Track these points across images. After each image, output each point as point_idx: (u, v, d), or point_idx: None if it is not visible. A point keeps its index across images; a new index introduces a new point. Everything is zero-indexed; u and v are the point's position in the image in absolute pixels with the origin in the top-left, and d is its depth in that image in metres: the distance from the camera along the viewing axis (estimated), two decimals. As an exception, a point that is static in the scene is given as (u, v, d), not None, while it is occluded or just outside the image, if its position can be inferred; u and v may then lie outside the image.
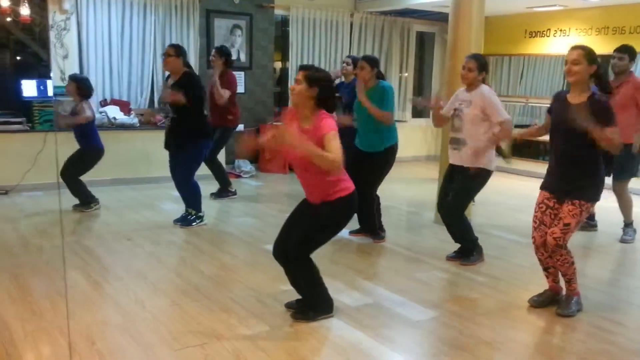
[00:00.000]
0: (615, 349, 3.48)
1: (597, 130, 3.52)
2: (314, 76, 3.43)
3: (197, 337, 3.40)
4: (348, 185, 3.56)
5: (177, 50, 5.63)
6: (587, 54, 3.71)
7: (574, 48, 3.77)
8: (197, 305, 3.86)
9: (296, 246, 3.56)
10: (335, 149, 3.32)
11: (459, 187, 4.86)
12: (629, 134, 5.50)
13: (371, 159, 5.35)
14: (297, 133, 3.32)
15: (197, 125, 5.67)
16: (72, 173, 6.24)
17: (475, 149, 4.70)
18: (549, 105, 4.06)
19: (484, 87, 4.78)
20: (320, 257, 5.14)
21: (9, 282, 4.22)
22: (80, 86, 6.21)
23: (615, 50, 5.77)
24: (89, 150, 6.25)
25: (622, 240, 5.85)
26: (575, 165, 3.77)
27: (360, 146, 5.42)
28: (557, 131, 3.85)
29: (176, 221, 5.88)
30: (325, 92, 3.46)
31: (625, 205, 5.87)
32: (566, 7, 9.00)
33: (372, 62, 5.32)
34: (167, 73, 6.03)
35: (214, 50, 7.19)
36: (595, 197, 3.84)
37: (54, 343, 3.30)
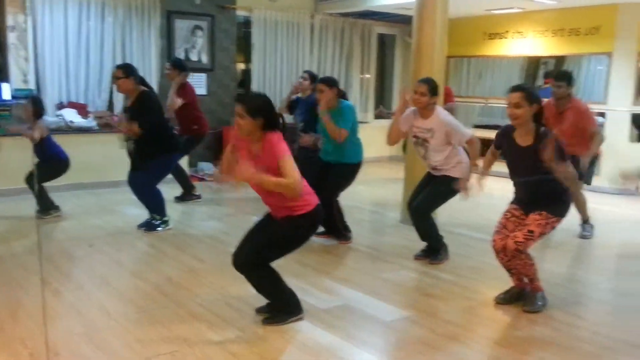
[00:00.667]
0: (581, 342, 3.55)
1: (559, 167, 3.65)
2: (255, 108, 3.39)
3: (167, 344, 3.33)
4: (311, 201, 3.55)
5: (126, 71, 5.42)
6: (528, 95, 3.75)
7: (514, 90, 3.80)
8: (165, 312, 3.78)
9: (254, 254, 3.54)
10: (290, 172, 3.31)
11: (433, 189, 4.88)
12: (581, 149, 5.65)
13: (334, 169, 5.34)
14: (250, 170, 3.30)
15: (161, 144, 5.55)
16: (39, 180, 6.00)
17: (452, 167, 4.78)
18: (495, 138, 4.17)
19: (439, 112, 4.76)
20: (287, 259, 5.09)
21: (-34, 292, 4.06)
22: (35, 107, 5.93)
23: (553, 78, 5.83)
24: (57, 163, 6.03)
25: (582, 237, 5.97)
26: (540, 192, 3.85)
27: (325, 157, 5.41)
28: (514, 170, 3.96)
29: (140, 226, 5.76)
30: (270, 117, 3.44)
31: (580, 204, 5.98)
32: (524, 9, 9.17)
33: (330, 82, 5.24)
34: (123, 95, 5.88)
35: (168, 63, 7.10)
36: (563, 214, 3.94)
37: (16, 355, 3.17)
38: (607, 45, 8.49)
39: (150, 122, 5.39)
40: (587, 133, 5.60)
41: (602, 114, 8.28)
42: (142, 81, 5.59)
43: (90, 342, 3.34)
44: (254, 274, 3.58)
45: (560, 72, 5.86)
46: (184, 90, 6.80)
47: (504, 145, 4.02)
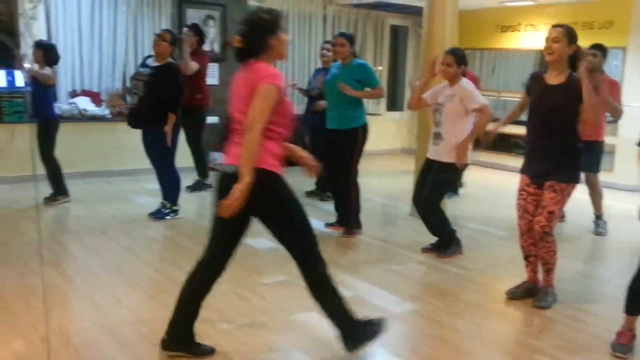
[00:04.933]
0: (590, 338, 3.54)
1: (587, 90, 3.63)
2: None
3: (177, 332, 3.36)
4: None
5: (172, 38, 5.69)
6: (568, 33, 3.73)
7: (555, 26, 3.78)
8: (175, 300, 3.80)
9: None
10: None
11: (434, 180, 4.86)
12: (600, 132, 5.73)
13: (343, 137, 5.32)
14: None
15: (160, 110, 5.51)
16: (46, 153, 6.07)
17: (453, 144, 4.71)
18: (526, 86, 4.10)
19: (463, 80, 4.80)
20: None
21: (-20, 278, 4.11)
22: (47, 53, 6.07)
23: (589, 47, 5.80)
24: (45, 120, 6.07)
25: (596, 233, 5.92)
26: (556, 144, 3.80)
27: (331, 125, 5.42)
28: (537, 112, 3.88)
29: (151, 214, 5.80)
30: None
31: (596, 197, 5.96)
32: (536, 2, 9.09)
33: (351, 38, 5.37)
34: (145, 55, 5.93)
35: (185, 28, 6.96)
36: (576, 178, 3.89)
37: (28, 340, 3.23)
38: (621, 40, 8.40)
39: (173, 91, 5.54)
40: (609, 109, 5.53)
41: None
42: (174, 57, 5.81)
43: (102, 329, 3.38)
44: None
45: (596, 43, 5.80)
46: (199, 55, 6.81)
47: (534, 88, 3.96)
